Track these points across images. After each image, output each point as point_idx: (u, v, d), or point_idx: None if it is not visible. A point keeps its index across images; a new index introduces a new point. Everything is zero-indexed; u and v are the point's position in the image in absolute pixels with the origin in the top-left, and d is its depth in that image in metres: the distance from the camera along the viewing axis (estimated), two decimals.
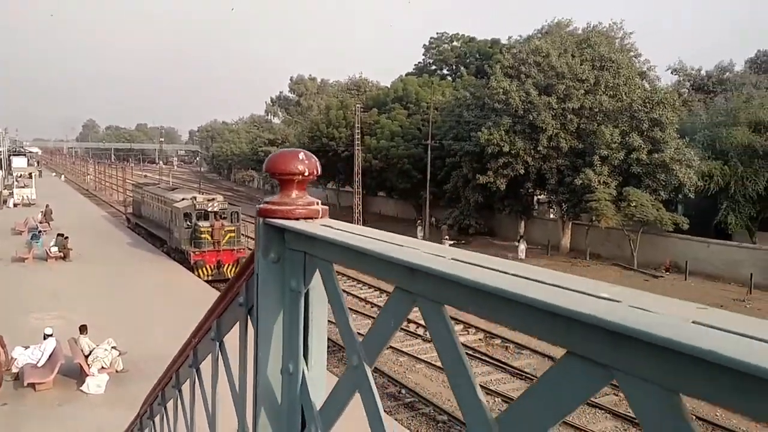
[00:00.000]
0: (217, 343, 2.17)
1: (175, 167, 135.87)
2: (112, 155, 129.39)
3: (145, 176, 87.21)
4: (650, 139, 30.11)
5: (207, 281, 23.95)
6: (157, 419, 3.46)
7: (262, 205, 1.60)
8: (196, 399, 2.55)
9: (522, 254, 32.96)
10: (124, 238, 32.87)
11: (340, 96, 55.26)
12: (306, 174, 1.60)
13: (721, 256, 29.08)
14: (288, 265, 1.60)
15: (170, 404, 3.14)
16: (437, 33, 61.32)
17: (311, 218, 1.58)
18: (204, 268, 25.11)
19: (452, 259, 1.07)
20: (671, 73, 42.47)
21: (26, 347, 13.00)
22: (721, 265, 28.81)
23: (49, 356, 12.83)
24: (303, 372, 1.61)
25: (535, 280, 0.89)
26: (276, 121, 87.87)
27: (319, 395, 1.57)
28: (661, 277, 28.90)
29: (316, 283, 1.55)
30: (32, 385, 12.38)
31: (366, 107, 47.08)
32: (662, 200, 30.08)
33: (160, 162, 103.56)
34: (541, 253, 34.42)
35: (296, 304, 1.60)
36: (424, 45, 61.63)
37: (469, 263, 1.03)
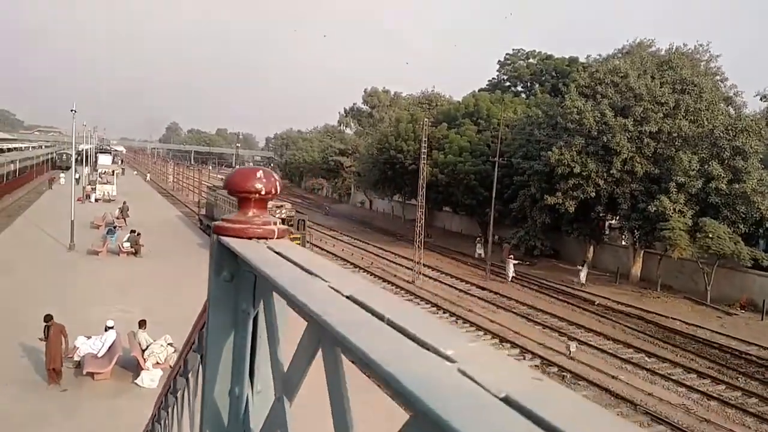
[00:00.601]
0: (199, 356, 2.15)
1: None
2: (192, 157, 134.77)
3: (222, 179, 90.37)
4: (731, 168, 28.57)
5: None
6: (169, 410, 3.47)
7: (217, 222, 1.58)
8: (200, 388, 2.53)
9: (583, 279, 31.90)
10: (195, 238, 33.77)
11: (411, 109, 55.45)
12: (263, 192, 1.56)
13: None
14: (240, 286, 1.56)
15: (179, 393, 3.13)
16: (513, 49, 60.74)
17: (264, 238, 1.54)
18: None
19: (347, 296, 0.99)
20: (760, 99, 40.18)
21: (88, 337, 13.60)
22: None
23: (109, 347, 13.38)
24: (247, 396, 1.56)
25: (400, 328, 0.80)
26: (348, 131, 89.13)
27: (261, 420, 1.51)
28: (736, 314, 27.23)
29: (267, 305, 1.50)
30: (91, 374, 12.94)
31: (436, 121, 47.02)
32: (741, 234, 28.41)
33: (237, 166, 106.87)
34: (610, 281, 33.20)
35: (245, 326, 1.56)
36: (499, 61, 61.21)
37: (361, 302, 0.95)
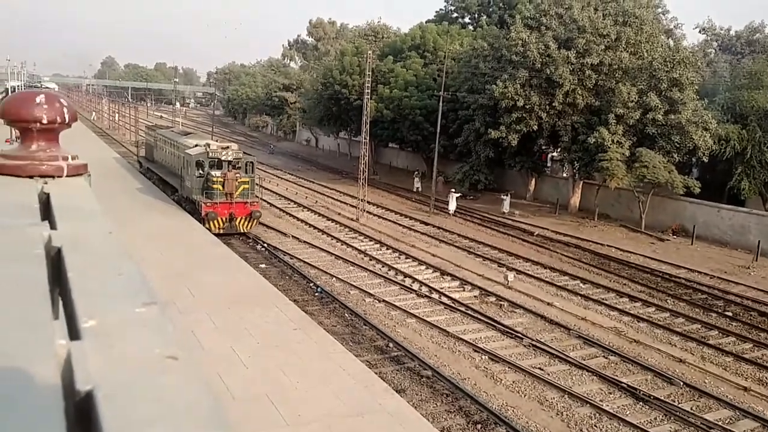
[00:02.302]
0: None
1: (191, 108, 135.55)
2: (129, 94, 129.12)
3: (161, 117, 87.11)
4: (668, 99, 29.12)
5: (217, 234, 23.04)
6: None
7: None
8: None
9: (506, 208, 33.40)
10: (134, 182, 32.58)
11: (356, 42, 53.97)
12: (45, 121, 1.32)
13: (730, 222, 28.50)
14: None
15: None
16: None
17: (50, 176, 1.31)
18: (215, 221, 24.06)
19: None
20: (699, 32, 40.89)
21: None
22: (730, 231, 28.26)
23: None
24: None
25: None
26: (293, 65, 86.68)
27: None
28: (668, 240, 28.43)
29: None
30: None
31: (382, 54, 46.01)
32: (676, 163, 29.30)
33: (177, 103, 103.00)
34: (550, 212, 34.00)
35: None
36: None
37: None
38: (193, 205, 25.52)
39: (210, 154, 25.11)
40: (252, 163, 26.09)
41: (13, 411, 0.48)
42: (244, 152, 27.10)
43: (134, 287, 0.73)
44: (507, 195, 34.19)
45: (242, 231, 24.94)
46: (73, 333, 0.63)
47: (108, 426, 0.49)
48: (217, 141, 29.40)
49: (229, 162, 25.06)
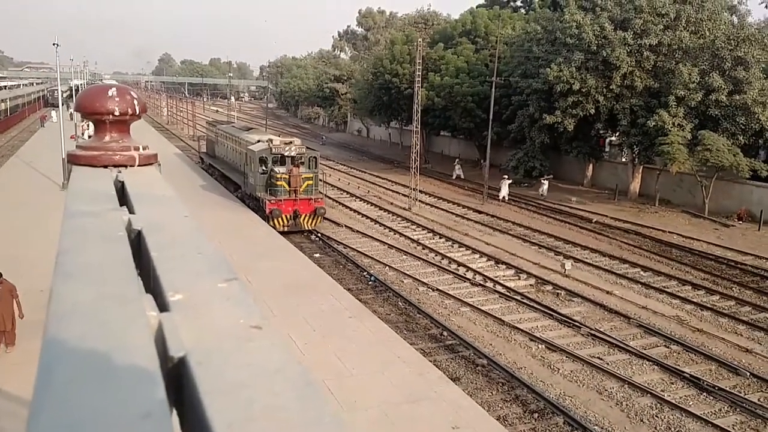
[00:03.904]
0: None
1: (245, 102, 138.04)
2: (186, 89, 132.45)
3: (216, 111, 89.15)
4: (732, 79, 27.85)
5: (282, 232, 22.94)
6: None
7: (71, 150, 1.41)
8: None
9: (543, 192, 33.27)
10: (197, 179, 32.78)
11: (406, 30, 53.71)
12: (118, 113, 1.37)
13: None
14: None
15: None
16: None
17: (123, 166, 1.37)
18: (280, 219, 23.61)
19: None
20: (765, 6, 38.74)
21: None
22: None
23: None
24: None
25: None
26: (343, 56, 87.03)
27: None
28: (733, 226, 27.28)
29: None
30: None
31: (432, 42, 45.64)
32: (741, 145, 28.03)
33: (231, 97, 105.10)
34: (609, 198, 33.15)
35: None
36: None
37: None
38: (256, 202, 25.17)
39: (273, 150, 24.65)
40: (315, 158, 25.58)
41: (115, 375, 0.51)
42: (307, 147, 26.70)
43: (214, 265, 0.77)
44: (546, 179, 34.07)
45: (307, 228, 24.42)
46: (162, 306, 0.67)
47: (205, 389, 0.52)
48: (279, 136, 28.82)
49: (293, 158, 24.68)
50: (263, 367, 0.57)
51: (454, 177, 39.79)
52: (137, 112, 1.41)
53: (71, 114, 43.32)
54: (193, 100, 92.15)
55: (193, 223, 0.95)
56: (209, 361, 0.56)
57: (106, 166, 1.35)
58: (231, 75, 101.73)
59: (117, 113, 1.37)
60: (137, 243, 0.86)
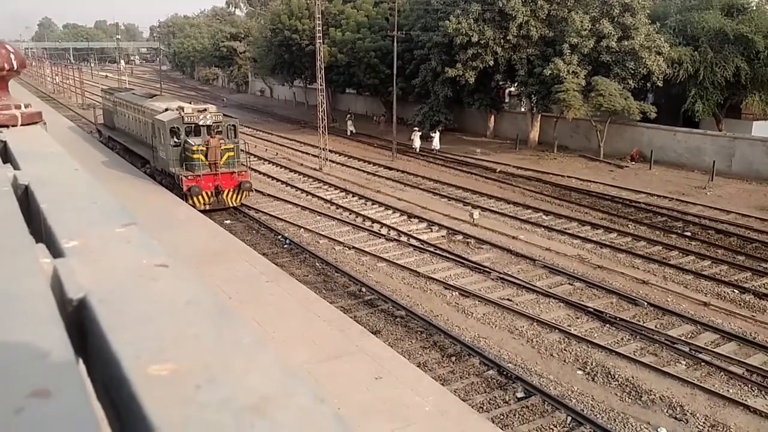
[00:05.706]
0: None
1: (137, 65, 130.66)
2: (71, 55, 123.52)
3: (106, 77, 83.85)
4: (621, 25, 29.19)
5: (203, 211, 20.97)
6: None
7: None
8: None
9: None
10: (96, 155, 29.52)
11: None
12: None
13: (686, 145, 29.22)
14: None
15: None
16: None
17: (4, 126, 1.25)
18: (200, 196, 21.35)
19: None
20: None
21: None
22: (687, 154, 29.01)
23: None
24: None
25: None
26: (239, 13, 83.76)
27: None
28: (627, 167, 29.06)
29: None
30: None
31: None
32: (631, 89, 29.63)
33: (121, 61, 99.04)
34: (510, 148, 34.26)
35: None
36: None
37: None
38: (171, 178, 22.61)
39: (185, 119, 22.02)
40: (234, 126, 23.16)
41: (11, 325, 0.49)
42: (224, 114, 24.38)
43: (112, 213, 0.70)
44: (435, 132, 34.52)
45: (232, 205, 22.37)
46: (56, 254, 0.61)
47: (109, 325, 0.50)
48: (191, 103, 25.85)
49: (209, 127, 22.12)
50: (173, 301, 0.55)
51: (348, 133, 39.81)
52: (15, 68, 1.27)
53: None
54: (80, 66, 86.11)
55: (85, 176, 0.88)
56: (112, 299, 0.53)
57: None
58: (119, 37, 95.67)
59: None
60: (25, 198, 0.78)
